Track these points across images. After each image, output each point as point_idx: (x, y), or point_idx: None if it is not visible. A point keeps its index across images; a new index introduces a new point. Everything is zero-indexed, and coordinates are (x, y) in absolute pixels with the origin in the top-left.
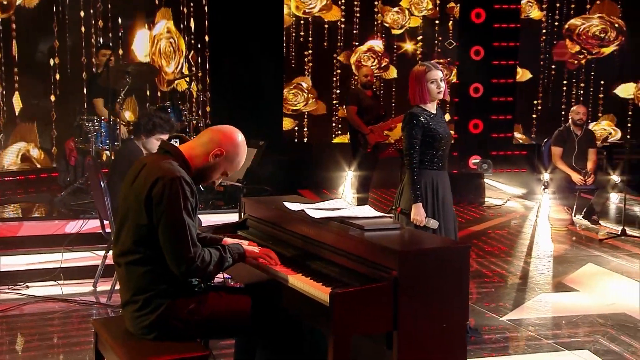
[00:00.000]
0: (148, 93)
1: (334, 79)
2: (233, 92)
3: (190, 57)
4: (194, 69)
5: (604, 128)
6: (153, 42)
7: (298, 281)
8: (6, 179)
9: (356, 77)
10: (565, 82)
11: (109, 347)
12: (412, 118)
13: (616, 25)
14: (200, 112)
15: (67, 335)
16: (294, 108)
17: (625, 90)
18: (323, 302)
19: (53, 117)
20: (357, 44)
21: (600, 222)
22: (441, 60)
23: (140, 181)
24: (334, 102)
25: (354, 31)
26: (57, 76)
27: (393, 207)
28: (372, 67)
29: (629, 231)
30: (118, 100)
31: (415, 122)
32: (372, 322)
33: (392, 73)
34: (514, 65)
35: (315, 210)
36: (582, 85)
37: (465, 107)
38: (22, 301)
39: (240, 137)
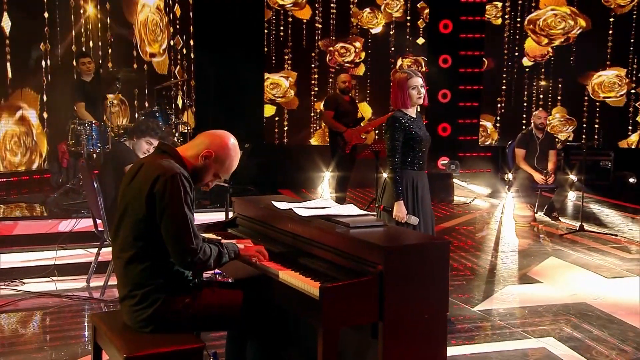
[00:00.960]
0: (136, 91)
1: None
2: (216, 94)
3: (174, 42)
4: (180, 76)
5: (559, 120)
6: (142, 10)
7: (288, 276)
8: (1, 180)
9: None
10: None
11: (107, 340)
12: (394, 122)
13: (569, 14)
14: (186, 116)
15: (63, 329)
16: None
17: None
18: (313, 296)
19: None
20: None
21: (560, 218)
22: (422, 70)
23: (139, 179)
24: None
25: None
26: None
27: (376, 205)
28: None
29: (586, 227)
30: (108, 104)
31: (397, 125)
32: (359, 313)
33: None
34: (479, 73)
35: (303, 209)
36: (542, 83)
37: (435, 112)
38: (18, 297)
39: (231, 140)
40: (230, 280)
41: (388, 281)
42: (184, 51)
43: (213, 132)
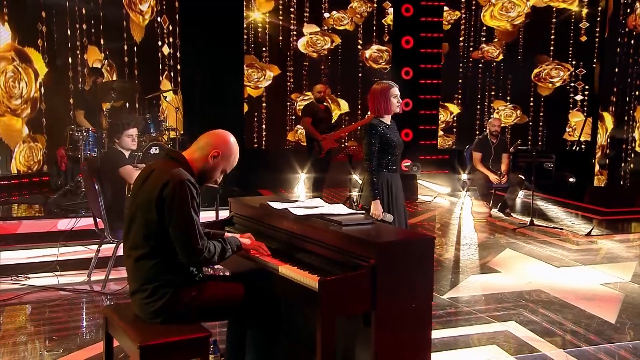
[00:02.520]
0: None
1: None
2: (201, 102)
3: (162, 20)
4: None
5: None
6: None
7: (288, 270)
8: (2, 182)
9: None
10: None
11: (120, 331)
12: (372, 129)
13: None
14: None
15: (69, 320)
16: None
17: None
18: (312, 288)
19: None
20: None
21: (512, 214)
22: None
23: (150, 183)
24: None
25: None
26: (42, 90)
27: (355, 204)
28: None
29: (536, 222)
30: (104, 113)
31: (374, 132)
32: (354, 303)
33: None
34: (438, 84)
35: (297, 208)
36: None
37: (398, 119)
38: (24, 291)
39: (232, 138)
40: (228, 274)
41: (380, 274)
42: (171, 62)
43: (214, 133)
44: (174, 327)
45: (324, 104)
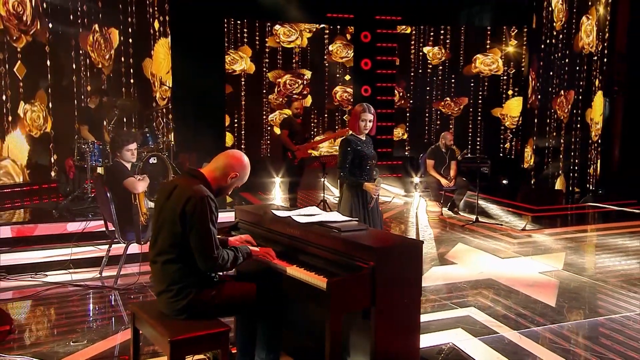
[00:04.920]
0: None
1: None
2: (192, 117)
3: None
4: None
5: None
6: None
7: (295, 271)
8: (15, 189)
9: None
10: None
11: (148, 326)
12: (346, 144)
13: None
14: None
15: (87, 313)
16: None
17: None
18: (320, 288)
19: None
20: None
21: (460, 212)
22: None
23: (174, 198)
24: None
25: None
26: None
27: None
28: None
29: (481, 219)
30: (109, 127)
31: (348, 147)
32: (357, 301)
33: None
34: (392, 100)
35: (299, 216)
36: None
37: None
38: (44, 286)
39: (246, 159)
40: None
41: (379, 274)
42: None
43: (234, 156)
44: (197, 323)
45: (300, 118)
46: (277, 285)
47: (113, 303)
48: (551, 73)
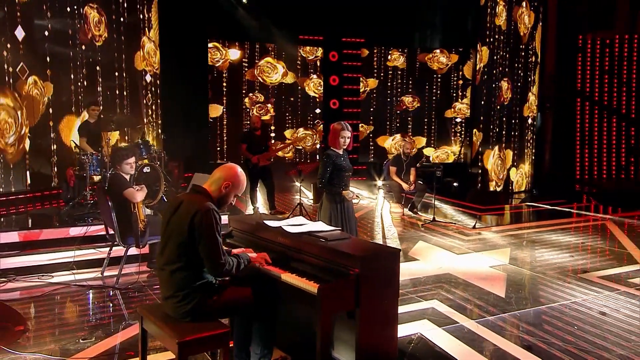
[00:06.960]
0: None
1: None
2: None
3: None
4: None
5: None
6: None
7: (289, 277)
8: (20, 196)
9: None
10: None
11: (156, 328)
12: (327, 158)
13: None
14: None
15: (94, 312)
16: None
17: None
18: (312, 292)
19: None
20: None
21: (419, 213)
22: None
23: (182, 212)
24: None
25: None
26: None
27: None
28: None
29: (438, 219)
30: (106, 140)
31: (327, 160)
32: (344, 303)
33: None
34: (358, 113)
35: (289, 226)
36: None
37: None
38: (51, 287)
39: (238, 169)
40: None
41: (362, 279)
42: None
43: (224, 168)
44: (201, 325)
45: (259, 130)
46: (272, 289)
47: (115, 302)
48: (493, 86)
